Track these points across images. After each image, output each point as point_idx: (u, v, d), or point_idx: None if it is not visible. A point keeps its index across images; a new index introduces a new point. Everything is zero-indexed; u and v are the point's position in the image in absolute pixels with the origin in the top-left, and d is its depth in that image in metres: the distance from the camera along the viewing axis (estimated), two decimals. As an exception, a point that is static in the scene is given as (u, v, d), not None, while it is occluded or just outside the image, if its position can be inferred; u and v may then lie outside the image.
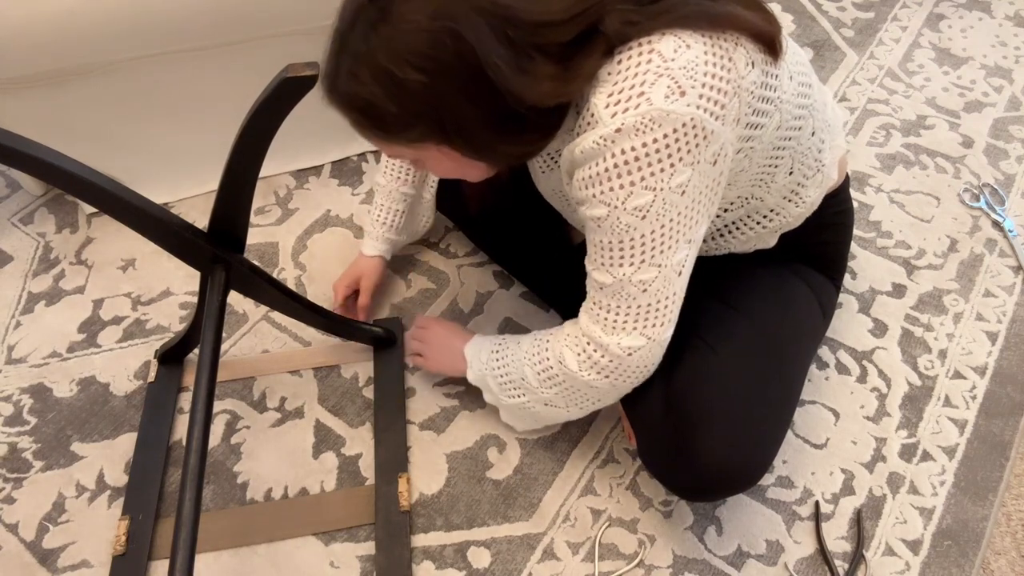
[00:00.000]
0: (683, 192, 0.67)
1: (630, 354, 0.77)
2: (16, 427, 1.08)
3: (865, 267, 1.24)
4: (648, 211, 0.67)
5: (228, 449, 1.05)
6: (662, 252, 0.71)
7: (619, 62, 0.64)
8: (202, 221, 1.29)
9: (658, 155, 0.64)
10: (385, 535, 0.95)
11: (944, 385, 1.10)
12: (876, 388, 1.09)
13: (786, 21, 1.68)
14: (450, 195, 1.15)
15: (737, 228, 0.89)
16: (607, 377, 0.80)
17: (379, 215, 1.12)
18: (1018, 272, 1.24)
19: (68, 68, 1.13)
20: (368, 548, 0.96)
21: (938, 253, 1.26)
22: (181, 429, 1.06)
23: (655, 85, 0.62)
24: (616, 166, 0.65)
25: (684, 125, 0.63)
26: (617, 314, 0.75)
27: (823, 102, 0.83)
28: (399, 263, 1.24)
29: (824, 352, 1.13)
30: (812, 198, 0.87)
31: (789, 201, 0.86)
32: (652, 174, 0.65)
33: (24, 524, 0.99)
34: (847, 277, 1.21)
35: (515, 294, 1.21)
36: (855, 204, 1.24)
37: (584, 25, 0.64)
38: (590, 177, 0.68)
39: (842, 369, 1.11)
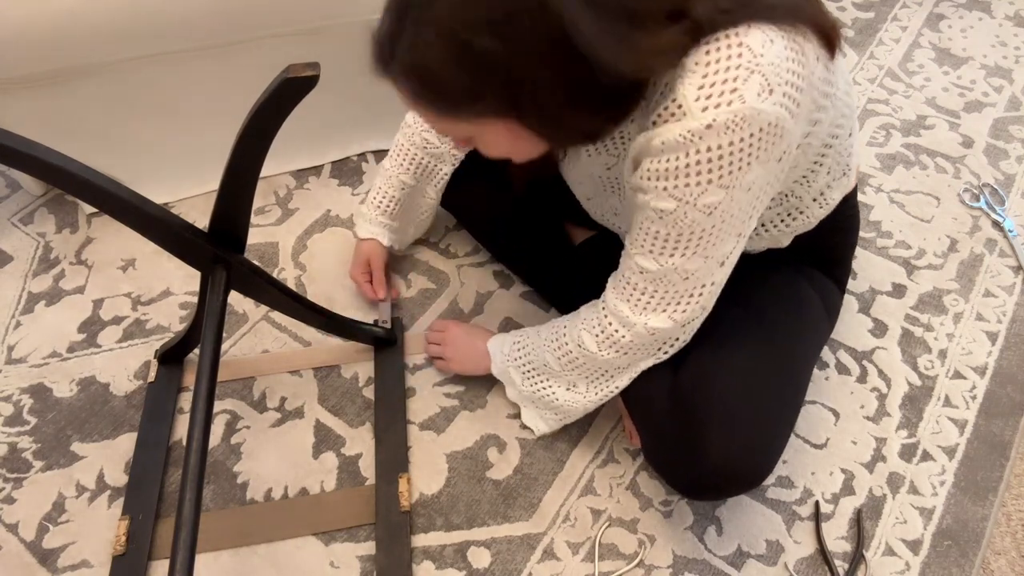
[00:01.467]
0: (749, 189, 0.67)
1: (653, 334, 0.78)
2: (16, 427, 1.08)
3: (865, 267, 1.24)
4: (716, 208, 0.67)
5: (228, 449, 1.05)
6: (714, 245, 0.71)
7: (707, 52, 0.62)
8: (202, 221, 1.29)
9: (740, 154, 0.64)
10: (385, 535, 0.95)
11: (944, 385, 1.10)
12: (876, 388, 1.09)
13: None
14: (453, 192, 1.14)
15: (763, 227, 0.89)
16: (626, 354, 0.82)
17: (375, 196, 1.13)
18: (1018, 272, 1.24)
19: (68, 68, 1.13)
20: (368, 548, 0.96)
21: (938, 253, 1.26)
22: (181, 429, 1.06)
23: (748, 82, 0.61)
24: (699, 163, 0.64)
25: (770, 124, 0.63)
26: (652, 297, 0.76)
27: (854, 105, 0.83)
28: (399, 263, 1.24)
29: (824, 352, 1.13)
30: (835, 200, 0.87)
31: (815, 202, 0.86)
32: (730, 172, 0.65)
33: (24, 524, 0.98)
34: (847, 277, 1.22)
35: (515, 294, 1.21)
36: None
37: (673, 4, 0.62)
38: (666, 170, 0.66)
39: (842, 369, 1.11)
